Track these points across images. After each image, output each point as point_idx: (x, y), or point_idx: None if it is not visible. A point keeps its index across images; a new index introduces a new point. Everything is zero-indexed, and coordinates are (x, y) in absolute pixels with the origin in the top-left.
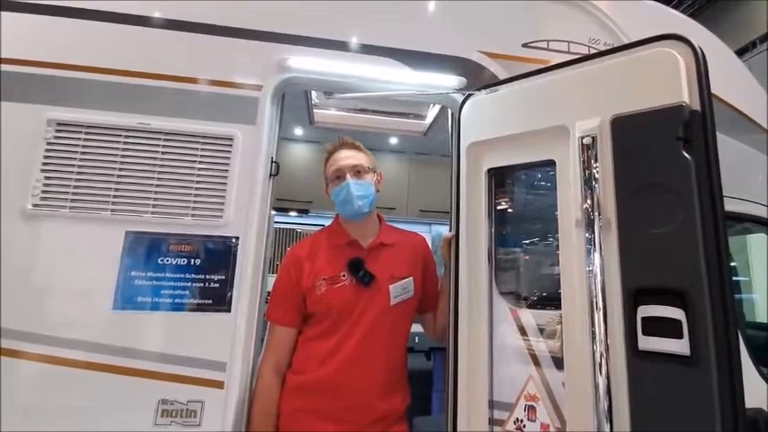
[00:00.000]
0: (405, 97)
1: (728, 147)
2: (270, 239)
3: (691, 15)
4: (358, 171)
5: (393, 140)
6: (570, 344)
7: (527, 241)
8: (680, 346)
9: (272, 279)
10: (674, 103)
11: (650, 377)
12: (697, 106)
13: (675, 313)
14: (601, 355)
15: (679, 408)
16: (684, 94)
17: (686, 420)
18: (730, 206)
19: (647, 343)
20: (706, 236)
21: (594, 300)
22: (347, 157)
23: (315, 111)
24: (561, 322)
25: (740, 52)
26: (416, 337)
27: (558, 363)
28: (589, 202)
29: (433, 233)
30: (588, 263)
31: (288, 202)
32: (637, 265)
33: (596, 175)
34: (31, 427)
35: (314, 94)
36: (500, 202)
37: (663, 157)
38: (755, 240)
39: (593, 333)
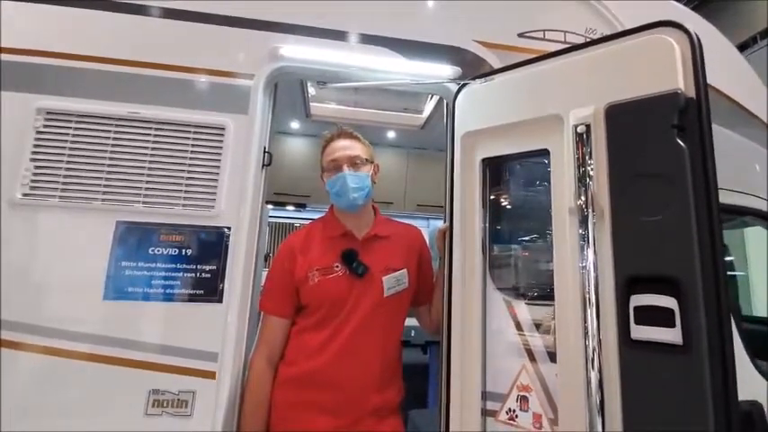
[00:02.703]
0: (399, 87)
1: (728, 139)
2: (263, 230)
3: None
4: (355, 162)
5: (390, 135)
6: (563, 332)
7: (521, 235)
8: (672, 335)
9: (266, 273)
10: (668, 91)
11: (643, 366)
12: (692, 93)
13: (668, 302)
14: (593, 349)
15: (671, 397)
16: (680, 80)
17: (678, 409)
18: (730, 199)
19: (640, 332)
20: (700, 224)
21: (587, 288)
22: (344, 148)
23: (311, 104)
24: (555, 308)
25: (740, 48)
26: (412, 331)
27: (552, 355)
28: (583, 190)
29: (430, 227)
30: (581, 252)
31: (285, 197)
32: (630, 254)
33: (590, 164)
34: (17, 418)
35: (310, 87)
36: (494, 194)
37: (657, 145)
38: (753, 234)
39: (586, 323)
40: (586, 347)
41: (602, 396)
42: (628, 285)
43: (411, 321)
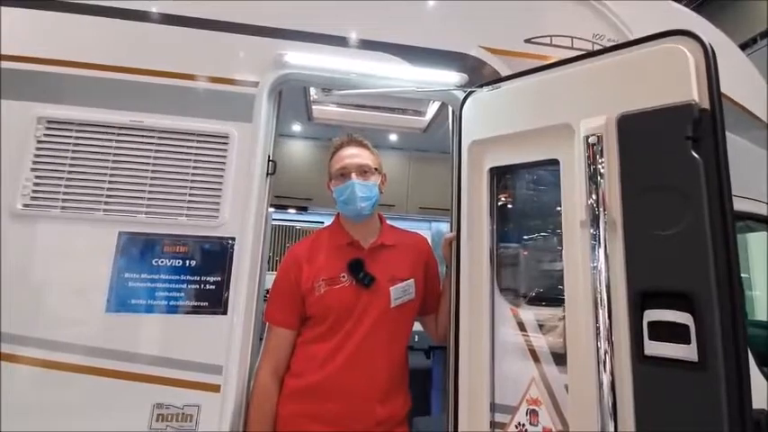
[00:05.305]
0: (404, 94)
1: (732, 143)
2: (267, 239)
3: (691, 11)
4: (364, 171)
5: (393, 137)
6: (574, 344)
7: (528, 240)
8: (687, 352)
9: (270, 277)
10: (682, 102)
11: (656, 383)
12: (706, 105)
13: (683, 317)
14: (606, 364)
15: (686, 415)
16: (694, 91)
17: (693, 427)
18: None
19: (654, 348)
20: (715, 238)
21: (599, 305)
22: (354, 156)
23: (313, 107)
24: (563, 317)
25: (740, 48)
26: (416, 336)
27: (562, 367)
28: (594, 203)
29: (432, 230)
30: (593, 266)
31: (286, 200)
32: (643, 268)
33: (602, 175)
34: (19, 429)
35: (312, 89)
36: (502, 200)
37: (671, 157)
38: (755, 238)
39: (598, 337)
40: (599, 362)
41: (615, 412)
42: (641, 300)
43: (416, 326)
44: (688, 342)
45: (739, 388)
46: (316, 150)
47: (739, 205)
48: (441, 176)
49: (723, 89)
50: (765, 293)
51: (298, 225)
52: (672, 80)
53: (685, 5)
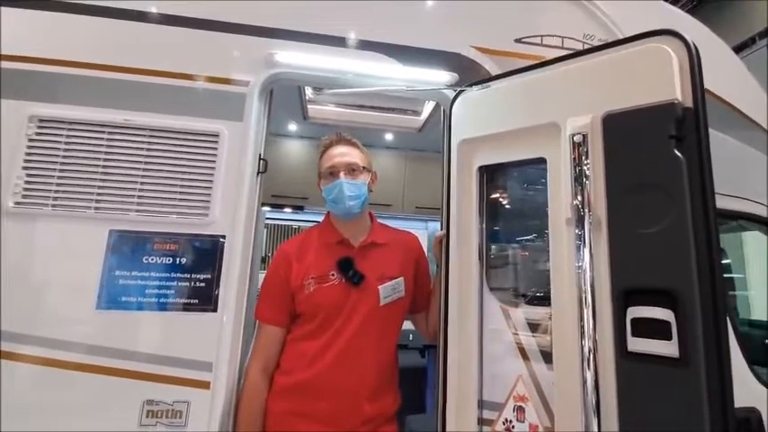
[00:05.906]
0: (395, 93)
1: (726, 144)
2: (259, 238)
3: (689, 11)
4: (352, 170)
5: (388, 137)
6: (560, 341)
7: (517, 239)
8: (669, 348)
9: (263, 276)
10: (666, 101)
11: (639, 379)
12: (690, 103)
13: (665, 314)
14: (590, 360)
15: (668, 410)
16: (677, 90)
17: (675, 423)
18: (727, 203)
19: (637, 344)
20: (697, 236)
21: (584, 301)
22: (342, 154)
23: (309, 106)
24: (551, 317)
25: (739, 48)
26: (410, 335)
27: (549, 361)
28: (579, 200)
29: (429, 230)
30: (578, 262)
31: (283, 199)
32: (627, 266)
33: (587, 174)
34: (8, 428)
35: (308, 89)
36: (491, 198)
37: (654, 156)
38: (751, 237)
39: (583, 333)
40: (583, 358)
41: (599, 409)
42: (624, 297)
43: (410, 325)
44: (670, 338)
45: (721, 383)
46: (312, 150)
47: (736, 205)
48: (437, 176)
49: (714, 89)
50: (765, 293)
51: (294, 224)
52: (656, 79)
53: (683, 6)
